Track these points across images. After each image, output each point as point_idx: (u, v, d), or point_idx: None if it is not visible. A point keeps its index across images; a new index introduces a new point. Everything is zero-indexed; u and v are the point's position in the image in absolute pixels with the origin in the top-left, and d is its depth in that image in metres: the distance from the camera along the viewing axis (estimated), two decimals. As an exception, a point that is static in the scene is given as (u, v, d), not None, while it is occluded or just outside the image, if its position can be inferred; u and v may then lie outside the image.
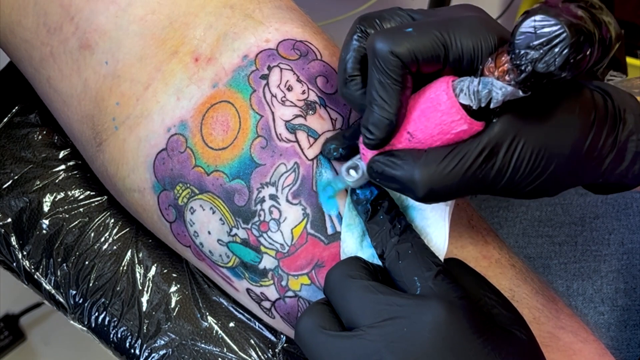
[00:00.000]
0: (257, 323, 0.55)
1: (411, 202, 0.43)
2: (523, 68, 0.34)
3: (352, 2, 1.25)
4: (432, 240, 0.41)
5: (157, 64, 0.47)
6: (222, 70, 0.45)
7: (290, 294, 0.45)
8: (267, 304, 0.46)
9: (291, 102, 0.45)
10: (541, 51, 0.33)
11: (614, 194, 0.47)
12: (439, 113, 0.37)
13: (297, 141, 0.44)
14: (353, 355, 0.36)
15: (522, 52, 0.33)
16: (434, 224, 0.42)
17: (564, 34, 0.32)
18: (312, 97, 0.45)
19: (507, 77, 0.35)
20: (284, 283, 0.45)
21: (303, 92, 0.45)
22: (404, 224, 0.41)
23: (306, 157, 0.44)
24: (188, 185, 0.45)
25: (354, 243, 0.43)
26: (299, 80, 0.45)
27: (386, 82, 0.36)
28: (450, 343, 0.35)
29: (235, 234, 0.45)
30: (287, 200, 0.44)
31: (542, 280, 0.49)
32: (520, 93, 0.35)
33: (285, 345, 0.54)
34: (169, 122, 0.46)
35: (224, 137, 0.45)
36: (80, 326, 0.56)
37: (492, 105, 0.36)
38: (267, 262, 0.44)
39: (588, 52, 0.33)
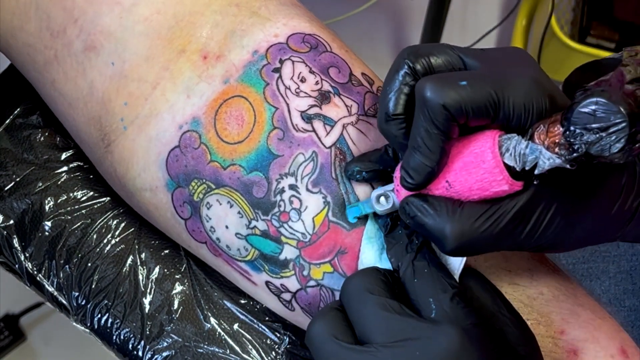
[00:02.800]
0: (260, 324, 0.55)
1: None
2: (576, 147, 0.33)
3: (352, 2, 1.25)
4: (449, 259, 0.41)
5: (164, 63, 0.47)
6: (233, 67, 0.46)
7: (312, 283, 0.45)
8: (287, 296, 0.46)
9: (305, 93, 0.45)
10: (597, 135, 0.32)
11: None
12: (482, 170, 0.36)
13: (313, 130, 0.44)
14: None
15: (578, 131, 0.32)
16: None
17: (624, 124, 0.31)
18: (326, 87, 0.45)
19: (557, 150, 0.34)
20: (305, 273, 0.44)
21: (316, 83, 0.45)
22: (421, 240, 0.41)
23: (324, 145, 0.44)
24: (204, 180, 0.45)
25: (373, 255, 0.43)
26: (311, 72, 0.46)
27: (433, 131, 0.36)
28: None
29: (255, 226, 0.45)
30: (307, 189, 0.44)
31: (553, 261, 0.49)
32: (567, 167, 0.34)
33: (288, 346, 0.54)
34: (180, 119, 0.46)
35: (239, 131, 0.45)
36: (82, 328, 0.56)
37: (536, 172, 0.35)
38: (288, 253, 0.44)
39: None
